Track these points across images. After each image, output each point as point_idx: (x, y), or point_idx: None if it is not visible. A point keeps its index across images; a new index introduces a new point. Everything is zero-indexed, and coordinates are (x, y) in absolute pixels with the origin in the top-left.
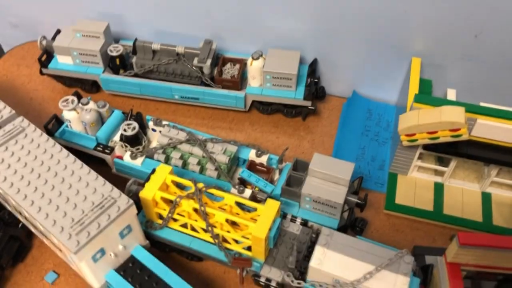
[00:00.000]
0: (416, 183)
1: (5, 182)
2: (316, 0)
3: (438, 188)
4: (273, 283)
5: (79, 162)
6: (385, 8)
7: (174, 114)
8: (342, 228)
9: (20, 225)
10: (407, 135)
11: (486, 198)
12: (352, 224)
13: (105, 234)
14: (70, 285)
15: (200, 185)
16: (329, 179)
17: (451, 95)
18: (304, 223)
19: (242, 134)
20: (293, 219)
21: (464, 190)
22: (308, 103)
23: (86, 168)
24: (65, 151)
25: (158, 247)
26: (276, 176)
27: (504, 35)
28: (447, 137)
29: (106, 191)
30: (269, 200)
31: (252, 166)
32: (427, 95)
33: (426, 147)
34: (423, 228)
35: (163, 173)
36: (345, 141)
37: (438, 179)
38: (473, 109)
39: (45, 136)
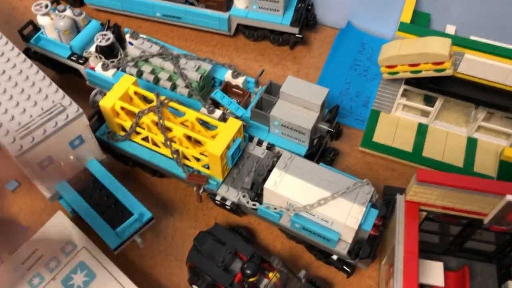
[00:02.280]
0: (398, 123)
1: None
2: None
3: (422, 130)
4: (228, 203)
5: (35, 67)
6: None
7: (157, 34)
8: (309, 156)
9: None
10: (388, 67)
11: (471, 144)
12: (323, 154)
13: (51, 141)
14: (30, 194)
15: (162, 97)
16: (300, 103)
17: (450, 31)
18: (270, 147)
19: (224, 59)
20: (260, 143)
21: (449, 133)
22: (295, 30)
23: (41, 74)
24: (22, 56)
25: (121, 160)
26: (252, 100)
27: None
28: (430, 71)
29: (57, 98)
30: (231, 119)
31: (227, 88)
32: (413, 24)
33: (408, 81)
34: (399, 169)
35: (125, 83)
36: (331, 74)
37: (424, 120)
38: (461, 42)
39: (4, 39)
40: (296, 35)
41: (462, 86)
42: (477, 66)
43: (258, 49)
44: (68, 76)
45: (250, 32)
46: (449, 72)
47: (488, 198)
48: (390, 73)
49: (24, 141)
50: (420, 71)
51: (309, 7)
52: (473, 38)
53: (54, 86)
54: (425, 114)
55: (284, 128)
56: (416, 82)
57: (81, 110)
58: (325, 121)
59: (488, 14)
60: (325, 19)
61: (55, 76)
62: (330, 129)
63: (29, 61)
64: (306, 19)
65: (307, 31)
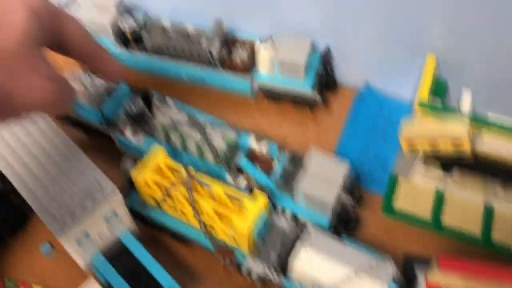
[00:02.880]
0: (417, 188)
1: (3, 161)
2: None
3: (440, 196)
4: (254, 276)
5: (75, 147)
6: None
7: (183, 94)
8: (332, 226)
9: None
10: (408, 144)
11: (489, 212)
12: (345, 223)
13: (89, 218)
14: (64, 258)
15: (191, 171)
16: (322, 177)
17: (467, 98)
18: (295, 217)
19: (247, 120)
20: (283, 211)
21: (467, 201)
22: (316, 95)
23: (79, 151)
24: (62, 135)
25: (150, 225)
26: (275, 166)
27: None
28: (449, 150)
29: (94, 176)
30: (257, 194)
31: (251, 154)
32: (431, 103)
33: (426, 154)
34: (419, 234)
35: (157, 156)
36: (351, 136)
37: (441, 186)
38: (479, 122)
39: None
40: (318, 98)
41: (479, 159)
42: (494, 147)
43: (279, 110)
44: (99, 140)
45: (272, 94)
46: (467, 152)
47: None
48: (410, 148)
49: (65, 220)
50: (439, 150)
51: (330, 72)
52: (491, 115)
53: (91, 163)
54: (443, 180)
55: (308, 199)
56: (435, 155)
57: (116, 189)
58: (347, 191)
59: (502, 83)
60: (344, 80)
61: (86, 140)
62: (352, 203)
63: (69, 140)
64: (326, 82)
65: (327, 92)
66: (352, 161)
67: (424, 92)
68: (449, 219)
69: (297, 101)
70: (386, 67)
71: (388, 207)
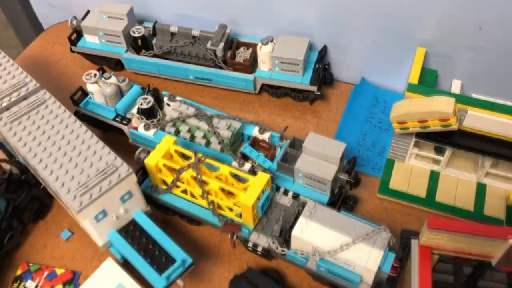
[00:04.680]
0: (412, 170)
1: (25, 147)
2: None
3: (434, 176)
4: (259, 249)
5: (89, 132)
6: None
7: (190, 93)
8: (331, 204)
9: (41, 186)
10: (399, 123)
11: (481, 189)
12: (343, 201)
13: (106, 198)
14: (82, 242)
15: (199, 155)
16: (321, 157)
17: (456, 86)
18: (296, 196)
19: (251, 114)
20: (286, 192)
21: (459, 179)
22: (314, 88)
23: (95, 138)
24: (78, 122)
25: (162, 210)
26: (277, 153)
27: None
28: (437, 126)
29: (110, 160)
30: (260, 173)
31: (255, 143)
32: (420, 85)
33: (418, 135)
34: (415, 213)
35: (167, 143)
36: (348, 126)
37: (435, 167)
38: (464, 100)
39: (62, 108)
40: (315, 93)
41: (467, 138)
42: (479, 121)
43: (281, 105)
44: (113, 135)
45: (273, 90)
46: (454, 127)
47: (493, 242)
48: (401, 128)
49: (83, 198)
50: (428, 127)
51: (326, 67)
52: (475, 96)
53: (107, 148)
54: (436, 162)
55: (308, 179)
56: (425, 136)
57: (131, 170)
58: (344, 172)
59: (490, 71)
60: (341, 76)
61: (102, 135)
62: (349, 179)
63: (84, 127)
64: (323, 77)
65: (325, 88)
66: (350, 148)
67: (413, 79)
68: (444, 196)
69: (297, 96)
70: (380, 62)
71: (385, 188)
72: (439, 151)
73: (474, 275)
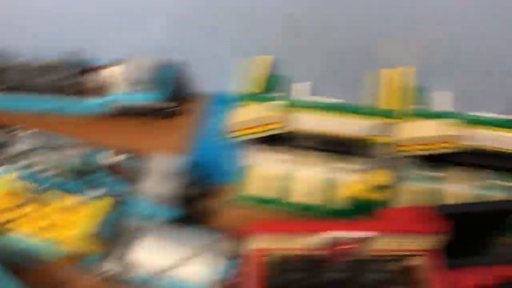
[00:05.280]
0: (265, 174)
1: None
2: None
3: (288, 177)
4: (105, 275)
5: None
6: None
7: (43, 124)
8: (181, 220)
9: None
10: (237, 130)
11: (330, 183)
12: (194, 215)
13: None
14: None
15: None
16: (164, 174)
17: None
18: (145, 216)
19: (105, 137)
20: (132, 212)
21: (311, 177)
22: (171, 105)
23: None
24: None
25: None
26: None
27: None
28: (273, 130)
29: None
30: (104, 199)
31: (109, 168)
32: (250, 94)
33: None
34: (272, 218)
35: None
36: (204, 138)
37: (289, 168)
38: (295, 105)
39: None
40: (172, 108)
41: (299, 137)
42: (311, 122)
43: (138, 126)
44: None
45: (129, 112)
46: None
47: (319, 237)
48: (242, 136)
49: None
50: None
51: (183, 81)
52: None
53: None
54: (290, 163)
55: (154, 198)
56: (268, 141)
57: None
58: (192, 185)
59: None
60: (196, 88)
61: None
62: (197, 192)
63: None
64: (180, 92)
65: (185, 102)
66: (205, 160)
67: (251, 86)
68: (297, 195)
69: (154, 114)
70: (229, 74)
71: (241, 196)
72: (291, 152)
73: (317, 269)
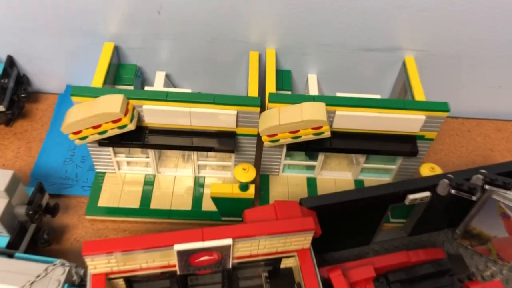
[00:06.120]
0: (124, 180)
1: None
2: None
3: (147, 182)
4: None
5: None
6: None
7: None
8: (14, 245)
9: None
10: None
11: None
12: (35, 237)
13: None
14: None
15: None
16: None
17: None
18: None
19: None
20: None
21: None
22: (2, 108)
23: None
24: None
25: None
26: None
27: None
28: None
29: None
30: None
31: None
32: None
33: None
34: (131, 228)
35: None
36: (54, 143)
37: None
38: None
39: None
40: (6, 112)
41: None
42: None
43: None
44: None
45: None
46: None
47: (165, 252)
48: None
49: None
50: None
51: (20, 80)
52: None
53: None
54: (144, 164)
55: None
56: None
57: None
58: (27, 202)
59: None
60: (46, 87)
61: None
62: (30, 210)
63: None
64: (15, 92)
65: (27, 103)
66: (55, 168)
67: (99, 75)
68: (160, 201)
69: None
70: (83, 65)
71: (94, 208)
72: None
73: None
